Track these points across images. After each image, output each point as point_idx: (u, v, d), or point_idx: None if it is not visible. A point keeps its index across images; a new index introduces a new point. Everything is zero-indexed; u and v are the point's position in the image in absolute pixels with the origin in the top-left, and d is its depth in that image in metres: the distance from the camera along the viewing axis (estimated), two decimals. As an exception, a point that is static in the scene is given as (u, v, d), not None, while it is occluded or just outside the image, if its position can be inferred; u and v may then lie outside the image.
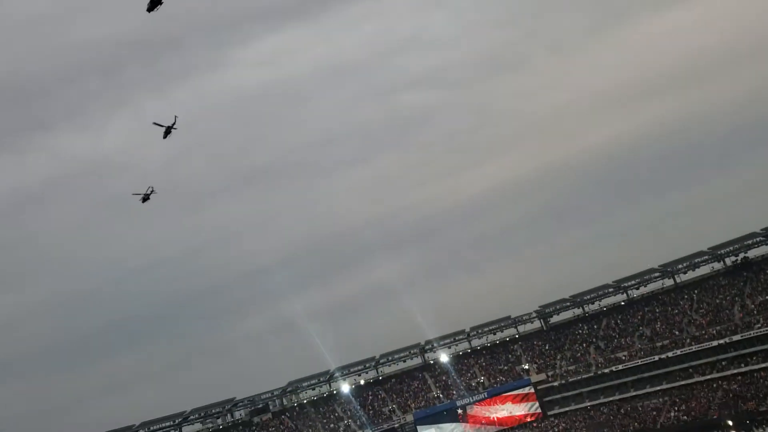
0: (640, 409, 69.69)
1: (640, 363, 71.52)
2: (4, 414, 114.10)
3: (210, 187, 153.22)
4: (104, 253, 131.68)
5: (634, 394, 71.42)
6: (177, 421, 70.58)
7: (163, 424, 69.81)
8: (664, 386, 69.50)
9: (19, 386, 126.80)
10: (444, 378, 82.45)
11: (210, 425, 73.35)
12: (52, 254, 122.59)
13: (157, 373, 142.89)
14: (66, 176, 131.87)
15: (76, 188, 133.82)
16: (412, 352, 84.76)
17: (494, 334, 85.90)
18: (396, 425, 76.18)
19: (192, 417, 72.22)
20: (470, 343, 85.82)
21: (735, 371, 65.66)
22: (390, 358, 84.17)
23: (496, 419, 76.33)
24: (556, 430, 73.64)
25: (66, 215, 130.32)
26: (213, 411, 73.92)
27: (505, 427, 75.96)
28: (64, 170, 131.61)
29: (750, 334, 66.01)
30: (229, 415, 75.34)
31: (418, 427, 76.10)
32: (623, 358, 73.58)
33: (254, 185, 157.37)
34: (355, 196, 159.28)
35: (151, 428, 68.81)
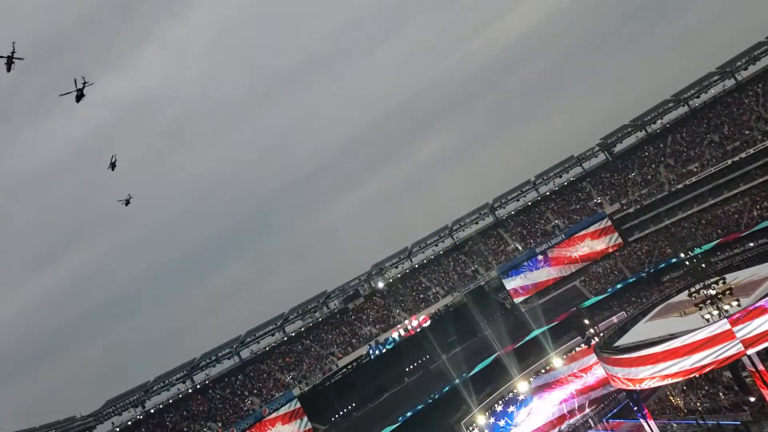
0: (721, 215, 69.23)
1: (713, 170, 70.12)
2: (121, 350, 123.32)
3: (251, 98, 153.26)
4: (168, 186, 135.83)
5: (712, 202, 70.65)
6: (279, 323, 74.74)
7: (267, 329, 74.09)
8: (742, 188, 68.29)
9: (126, 322, 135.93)
10: (519, 230, 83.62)
11: (309, 320, 77.28)
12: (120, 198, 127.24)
13: (249, 284, 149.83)
14: (116, 120, 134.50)
15: (129, 129, 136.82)
16: (482, 213, 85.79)
17: (560, 176, 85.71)
18: (482, 282, 78.61)
19: (291, 317, 76.27)
20: (538, 191, 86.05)
21: (814, 156, 63.62)
22: (462, 223, 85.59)
23: (578, 257, 77.63)
24: (640, 253, 74.50)
25: (126, 157, 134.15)
26: (309, 307, 77.77)
27: (590, 261, 77.37)
28: (113, 115, 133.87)
29: (825, 115, 63.40)
30: (324, 307, 79.20)
31: (503, 280, 78.36)
32: (695, 170, 72.40)
33: (292, 87, 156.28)
34: (394, 73, 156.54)
35: (257, 334, 73.18)
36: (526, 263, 78.35)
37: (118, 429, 58.68)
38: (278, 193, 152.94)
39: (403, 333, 71.63)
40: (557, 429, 51.64)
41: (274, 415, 61.66)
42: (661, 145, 79.57)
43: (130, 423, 59.99)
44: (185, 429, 59.64)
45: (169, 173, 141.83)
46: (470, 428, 49.38)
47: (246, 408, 63.02)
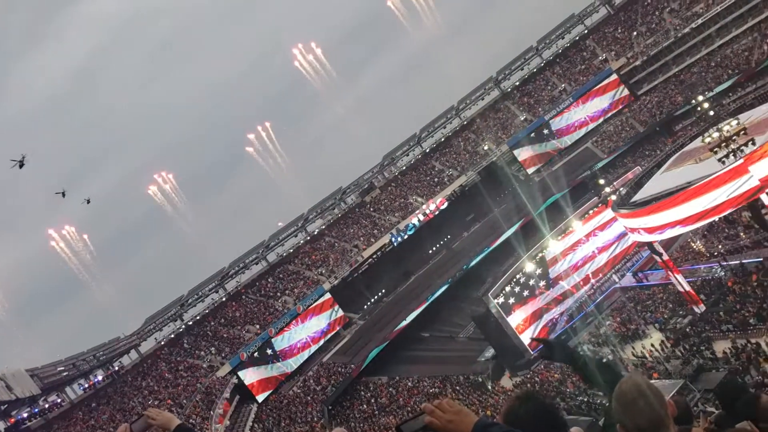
0: (731, 55, 67.30)
1: (719, 9, 67.54)
2: (149, 272, 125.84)
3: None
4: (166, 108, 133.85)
5: (720, 42, 68.43)
6: (300, 224, 75.77)
7: (290, 231, 75.24)
8: (750, 23, 65.65)
9: (149, 246, 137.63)
10: (526, 100, 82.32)
11: (329, 217, 78.18)
12: (127, 113, 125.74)
13: (265, 187, 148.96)
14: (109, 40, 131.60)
15: (125, 45, 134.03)
16: (487, 87, 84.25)
17: (563, 38, 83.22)
18: (494, 158, 78.17)
19: (311, 216, 77.20)
20: (542, 57, 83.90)
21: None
22: (467, 102, 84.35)
23: (588, 119, 76.70)
24: (650, 105, 73.41)
25: (127, 73, 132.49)
26: (327, 204, 78.54)
27: (598, 122, 76.49)
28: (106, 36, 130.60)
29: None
30: (342, 203, 79.89)
31: (514, 152, 77.83)
32: (701, 11, 69.73)
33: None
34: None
35: (280, 237, 74.48)
36: (534, 133, 77.62)
37: (162, 343, 61.03)
38: (279, 95, 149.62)
39: (422, 218, 72.48)
40: (584, 289, 53.07)
41: (307, 310, 63.92)
42: (664, -10, 76.48)
43: (173, 336, 62.30)
44: (225, 335, 62.12)
45: (170, 90, 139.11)
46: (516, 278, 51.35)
47: (280, 308, 65.22)
